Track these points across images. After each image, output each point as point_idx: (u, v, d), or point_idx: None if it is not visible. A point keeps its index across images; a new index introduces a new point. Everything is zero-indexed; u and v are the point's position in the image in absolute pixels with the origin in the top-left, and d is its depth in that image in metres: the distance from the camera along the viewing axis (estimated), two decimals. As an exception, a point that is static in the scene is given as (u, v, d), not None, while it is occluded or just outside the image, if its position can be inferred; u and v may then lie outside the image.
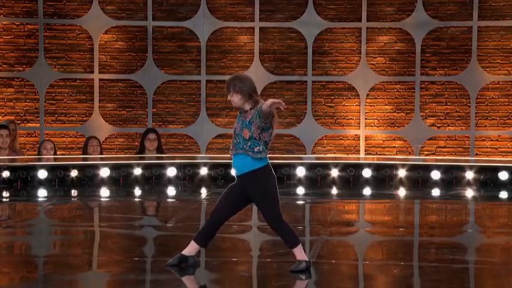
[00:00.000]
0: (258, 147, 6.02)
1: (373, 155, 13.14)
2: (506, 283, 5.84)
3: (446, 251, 7.00)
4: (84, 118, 13.33)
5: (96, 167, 10.79)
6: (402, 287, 5.82)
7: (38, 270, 6.32)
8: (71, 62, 13.33)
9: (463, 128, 13.20)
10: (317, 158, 12.12)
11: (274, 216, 6.02)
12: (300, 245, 6.00)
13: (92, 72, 13.31)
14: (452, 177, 10.90)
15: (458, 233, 8.14)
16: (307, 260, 5.98)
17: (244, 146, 6.04)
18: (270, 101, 6.00)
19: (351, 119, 13.31)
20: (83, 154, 12.04)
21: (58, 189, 10.46)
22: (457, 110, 13.22)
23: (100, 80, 13.32)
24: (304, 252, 6.04)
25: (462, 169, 10.95)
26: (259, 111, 6.01)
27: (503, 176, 10.88)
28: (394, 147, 13.27)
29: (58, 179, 10.58)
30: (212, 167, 11.07)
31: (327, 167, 10.99)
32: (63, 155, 12.81)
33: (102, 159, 11.51)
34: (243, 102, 6.14)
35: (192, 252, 6.14)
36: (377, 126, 13.29)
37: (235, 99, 6.15)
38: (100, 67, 13.31)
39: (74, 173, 10.66)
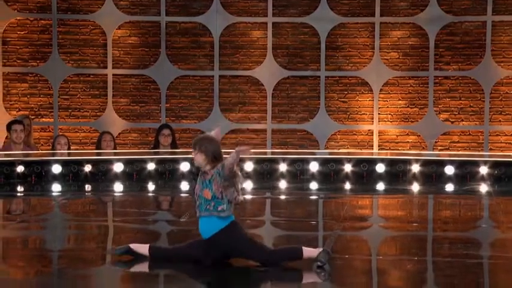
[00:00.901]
0: (222, 206, 6.03)
1: (387, 150, 13.11)
2: (521, 278, 5.82)
3: (460, 246, 6.98)
4: (97, 113, 13.36)
5: (110, 162, 10.82)
6: (416, 282, 5.81)
7: (52, 265, 6.34)
8: (84, 57, 13.37)
9: (477, 123, 13.15)
10: (330, 153, 12.10)
11: (263, 253, 6.02)
12: (303, 249, 6.00)
13: (106, 67, 13.34)
14: (466, 172, 10.86)
15: (472, 228, 8.11)
16: (321, 250, 5.97)
17: (208, 207, 6.05)
18: (236, 150, 5.95)
19: (364, 114, 13.28)
20: (97, 149, 12.06)
21: (72, 184, 10.49)
22: (471, 104, 13.17)
23: (113, 75, 13.34)
24: (313, 247, 6.04)
25: (476, 164, 10.91)
26: (219, 169, 5.99)
27: (517, 171, 10.83)
28: (408, 142, 13.24)
29: (72, 174, 10.61)
30: (225, 162, 11.04)
31: (340, 162, 10.97)
32: (77, 150, 12.84)
33: (115, 154, 11.53)
34: (206, 163, 6.12)
35: (140, 250, 6.17)
36: (390, 121, 13.25)
37: (199, 158, 6.14)
38: (113, 62, 13.33)
39: (87, 168, 10.68)
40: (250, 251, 6.02)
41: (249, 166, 11.04)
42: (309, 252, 5.97)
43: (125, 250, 6.21)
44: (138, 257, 6.16)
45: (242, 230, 6.13)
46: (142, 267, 6.13)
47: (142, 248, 6.19)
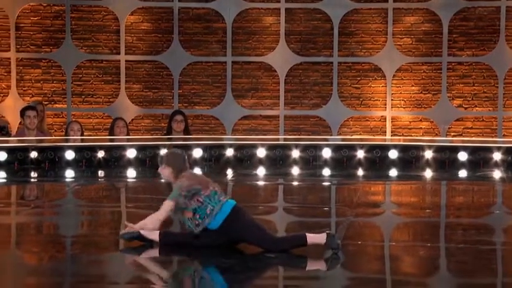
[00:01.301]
0: (209, 207, 6.13)
1: (400, 136, 13.08)
2: (534, 265, 5.81)
3: (473, 232, 6.96)
4: (110, 99, 13.38)
5: (123, 148, 10.83)
6: (429, 268, 5.81)
7: (66, 250, 6.37)
8: (97, 43, 13.38)
9: (490, 108, 13.10)
10: (343, 140, 12.08)
11: (269, 241, 6.07)
12: (307, 235, 6.01)
13: (118, 53, 13.34)
14: (480, 159, 10.83)
15: (485, 214, 8.09)
16: (324, 235, 5.98)
17: (197, 222, 6.15)
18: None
19: (377, 100, 13.25)
20: (110, 135, 12.09)
21: (85, 170, 10.52)
22: (485, 90, 13.11)
23: (126, 61, 13.35)
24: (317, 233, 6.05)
25: (489, 150, 10.87)
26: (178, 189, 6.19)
27: (531, 157, 10.79)
28: (421, 128, 13.20)
29: (85, 160, 10.64)
30: (238, 148, 11.08)
31: (353, 148, 10.96)
32: (90, 136, 12.87)
33: (128, 140, 11.55)
34: (172, 177, 6.36)
35: (150, 236, 6.21)
36: (403, 108, 13.22)
37: (166, 172, 6.39)
38: (126, 48, 13.34)
39: (100, 154, 10.70)
40: (256, 238, 6.06)
41: (261, 152, 11.03)
42: (312, 238, 5.99)
43: (134, 236, 6.22)
44: (147, 243, 6.18)
45: (246, 216, 6.17)
46: (154, 253, 6.15)
47: (153, 234, 6.21)
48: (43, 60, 13.38)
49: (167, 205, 6.22)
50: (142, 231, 6.23)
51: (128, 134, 12.17)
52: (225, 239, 6.13)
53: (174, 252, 6.18)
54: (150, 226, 6.21)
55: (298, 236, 6.10)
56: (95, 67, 13.39)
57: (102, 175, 10.47)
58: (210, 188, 6.22)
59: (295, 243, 6.06)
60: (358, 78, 13.28)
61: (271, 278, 5.63)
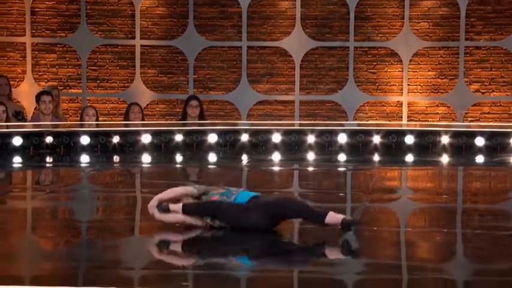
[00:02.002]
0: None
1: (416, 121, 13.04)
2: (551, 251, 5.78)
3: (489, 218, 6.94)
4: (125, 84, 13.40)
5: (138, 133, 10.85)
6: (445, 254, 5.80)
7: (81, 235, 6.40)
8: (112, 28, 13.39)
9: (508, 93, 13.02)
10: (359, 125, 12.06)
11: (298, 206, 6.16)
12: (330, 213, 6.02)
13: (134, 38, 13.35)
14: (497, 144, 10.77)
15: (503, 200, 8.06)
16: (343, 217, 6.00)
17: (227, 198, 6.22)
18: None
19: (393, 85, 13.20)
20: (125, 120, 12.11)
21: (100, 155, 10.55)
22: (502, 75, 13.03)
23: (141, 46, 13.36)
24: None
25: (507, 135, 10.81)
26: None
27: (549, 142, 10.73)
28: (438, 113, 13.15)
29: (100, 145, 10.66)
30: (253, 133, 11.07)
31: (368, 133, 10.93)
32: (105, 121, 12.90)
33: (143, 125, 11.57)
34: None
35: (174, 208, 6.28)
36: (420, 93, 13.16)
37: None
38: (141, 33, 13.34)
39: (115, 139, 10.73)
40: (287, 204, 6.09)
41: (276, 138, 11.02)
42: (331, 217, 5.99)
43: (165, 208, 6.30)
44: (166, 227, 6.20)
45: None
46: (170, 238, 6.16)
47: (177, 207, 6.26)
48: (58, 45, 13.40)
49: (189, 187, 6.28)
50: (170, 206, 6.28)
51: (143, 120, 12.20)
52: (256, 213, 6.08)
53: (191, 241, 6.19)
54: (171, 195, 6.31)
55: (321, 213, 6.06)
56: (110, 52, 13.41)
57: (117, 160, 10.49)
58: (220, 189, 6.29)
59: (315, 217, 6.05)
60: (374, 63, 13.23)
61: (286, 262, 5.63)
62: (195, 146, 10.93)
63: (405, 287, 5.00)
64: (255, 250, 5.94)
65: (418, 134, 10.94)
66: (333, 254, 5.85)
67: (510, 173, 9.94)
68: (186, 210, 6.22)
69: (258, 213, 6.06)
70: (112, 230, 6.45)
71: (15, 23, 13.37)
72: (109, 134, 10.75)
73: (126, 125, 11.53)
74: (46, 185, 8.99)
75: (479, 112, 13.12)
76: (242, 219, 6.06)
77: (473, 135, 10.88)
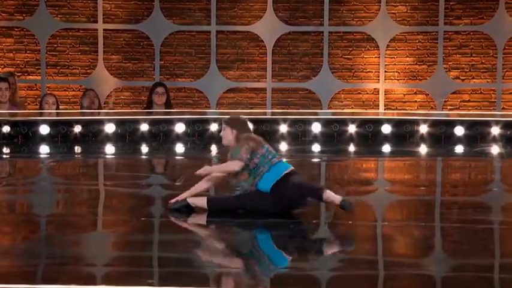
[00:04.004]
0: (262, 168, 6.49)
1: (393, 110, 13.10)
2: (533, 245, 5.84)
3: (469, 211, 6.99)
4: (87, 71, 13.32)
5: (101, 122, 10.81)
6: (423, 249, 5.84)
7: (40, 230, 6.37)
8: (73, 11, 13.29)
9: (489, 80, 13.12)
10: (334, 114, 12.09)
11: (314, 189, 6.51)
12: (325, 191, 6.32)
13: (96, 21, 13.26)
14: (477, 133, 10.86)
15: (483, 192, 8.13)
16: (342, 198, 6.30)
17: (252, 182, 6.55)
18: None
19: (369, 71, 13.25)
20: (81, 108, 12.13)
21: (61, 146, 10.49)
22: (483, 61, 13.13)
23: (104, 30, 13.28)
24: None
25: (488, 124, 10.90)
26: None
27: (531, 132, 10.83)
28: (416, 101, 13.22)
29: (61, 135, 10.61)
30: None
31: (344, 122, 10.96)
32: (66, 109, 12.83)
33: (107, 114, 11.52)
34: (233, 139, 6.64)
35: (199, 204, 6.49)
36: (397, 80, 13.22)
37: (228, 134, 6.67)
38: (104, 16, 13.26)
39: (77, 129, 10.68)
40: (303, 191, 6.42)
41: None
42: (329, 194, 6.28)
43: (183, 204, 6.53)
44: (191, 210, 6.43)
45: (297, 179, 6.47)
46: (136, 234, 6.15)
47: (200, 201, 6.53)
48: (15, 29, 13.28)
49: (234, 164, 6.47)
50: (189, 200, 6.53)
51: (99, 106, 12.17)
52: (278, 207, 6.38)
53: (158, 232, 6.18)
54: (204, 186, 6.59)
55: (318, 189, 6.40)
56: (70, 36, 13.32)
57: (79, 151, 10.44)
58: (265, 146, 6.57)
59: (313, 194, 6.36)
60: (350, 49, 13.26)
61: (259, 258, 5.64)
62: (161, 136, 10.91)
63: (381, 283, 5.03)
64: (227, 246, 5.95)
65: (396, 123, 10.99)
66: (307, 249, 5.87)
67: (491, 163, 10.03)
68: (211, 206, 6.50)
69: (277, 202, 6.39)
70: (73, 224, 6.43)
71: (-31, 6, 13.24)
72: (70, 124, 10.70)
73: (89, 114, 11.48)
74: (2, 177, 8.92)
75: (458, 100, 13.21)
76: (261, 208, 6.40)
77: (452, 124, 10.96)
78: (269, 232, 6.25)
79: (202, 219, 6.45)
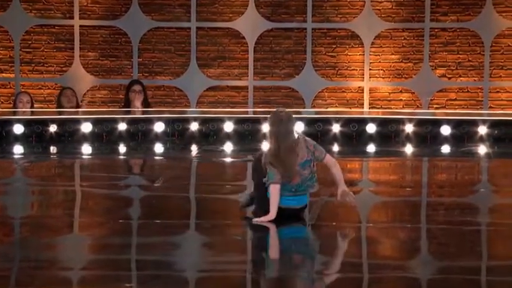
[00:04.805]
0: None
1: (378, 108, 13.13)
2: (521, 246, 5.88)
3: (456, 212, 7.02)
4: (63, 68, 13.27)
5: (77, 121, 10.78)
6: (408, 251, 5.85)
7: (14, 233, 6.34)
8: (48, 7, 13.24)
9: (476, 79, 13.18)
10: (317, 113, 12.11)
11: None
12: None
13: (72, 17, 13.22)
14: (464, 133, 10.91)
15: (470, 192, 8.17)
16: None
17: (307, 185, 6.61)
18: None
19: (354, 69, 13.27)
20: (58, 107, 12.09)
21: (35, 146, 10.46)
22: (470, 59, 13.18)
23: (80, 26, 13.24)
24: None
25: (475, 123, 10.95)
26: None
27: (519, 131, 10.89)
28: (401, 100, 13.26)
29: (35, 135, 10.58)
30: (203, 122, 11.07)
31: (327, 122, 10.99)
32: (41, 108, 12.78)
33: (84, 113, 11.49)
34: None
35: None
36: (382, 78, 13.26)
37: None
38: (80, 12, 13.22)
39: (52, 128, 10.64)
40: None
41: (228, 126, 11.03)
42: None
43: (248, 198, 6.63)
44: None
45: None
46: (113, 237, 6.13)
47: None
48: (-12, 25, 13.22)
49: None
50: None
51: (77, 105, 12.14)
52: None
53: (136, 235, 6.17)
54: None
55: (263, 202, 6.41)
56: (46, 33, 13.27)
57: (55, 151, 10.40)
58: None
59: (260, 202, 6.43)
60: (334, 46, 13.28)
61: (239, 261, 5.64)
62: (140, 136, 10.89)
63: (366, 286, 5.04)
64: (207, 249, 5.95)
65: (381, 123, 11.02)
66: (290, 251, 5.88)
67: (478, 164, 10.07)
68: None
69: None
70: (48, 227, 6.41)
71: None
72: (45, 123, 10.66)
73: (65, 113, 11.44)
74: (-25, 179, 8.88)
75: (445, 99, 13.25)
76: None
77: (439, 123, 11.00)
78: (251, 233, 6.25)
79: (180, 221, 6.43)
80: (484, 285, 5.06)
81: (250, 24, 13.27)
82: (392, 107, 13.15)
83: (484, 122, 10.94)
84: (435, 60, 13.22)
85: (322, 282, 5.11)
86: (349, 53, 13.27)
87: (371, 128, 10.98)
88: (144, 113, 11.54)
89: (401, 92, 13.27)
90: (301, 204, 6.49)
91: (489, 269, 5.41)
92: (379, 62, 13.26)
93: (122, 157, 10.56)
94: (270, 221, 6.26)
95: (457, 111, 12.78)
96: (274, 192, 6.28)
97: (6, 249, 5.83)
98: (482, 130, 10.88)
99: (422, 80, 13.18)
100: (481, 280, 5.15)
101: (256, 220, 6.33)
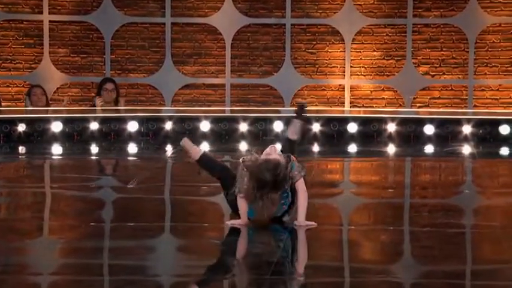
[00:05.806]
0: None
1: (360, 107, 13.17)
2: (507, 248, 5.91)
3: (440, 214, 7.05)
4: (32, 65, 13.23)
5: (47, 120, 10.75)
6: (391, 254, 5.87)
7: (-19, 237, 6.30)
8: (16, 1, 13.19)
9: (460, 76, 13.24)
10: (296, 111, 12.10)
11: None
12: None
13: (41, 12, 13.17)
14: (448, 132, 10.97)
15: (454, 193, 8.20)
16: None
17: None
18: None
19: (334, 67, 13.31)
20: (26, 106, 12.06)
21: (3, 146, 10.41)
22: (454, 56, 13.25)
23: (50, 21, 13.19)
24: None
25: (459, 123, 11.01)
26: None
27: (504, 130, 10.97)
28: (383, 98, 13.31)
29: (3, 134, 10.53)
30: (178, 121, 11.06)
31: (307, 121, 10.99)
32: (9, 107, 12.73)
33: (54, 112, 11.46)
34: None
35: (191, 150, 6.63)
36: (364, 75, 13.30)
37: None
38: (50, 7, 13.18)
39: (21, 128, 10.61)
40: None
41: (205, 126, 11.02)
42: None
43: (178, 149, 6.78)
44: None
45: None
46: (85, 240, 6.12)
47: (194, 150, 6.56)
48: (-46, 20, 13.15)
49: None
50: (185, 143, 6.58)
51: (47, 104, 12.11)
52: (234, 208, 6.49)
53: (109, 238, 6.16)
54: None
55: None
56: (13, 28, 13.21)
57: (23, 151, 10.36)
58: None
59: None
60: (314, 43, 13.31)
61: (216, 265, 5.64)
62: (112, 135, 10.87)
63: (347, 291, 5.06)
64: (182, 252, 5.94)
65: (362, 122, 11.06)
66: (268, 254, 5.89)
67: (462, 164, 10.12)
68: (201, 160, 6.59)
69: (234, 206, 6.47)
70: (17, 230, 6.37)
71: None
72: (13, 122, 10.62)
73: (33, 112, 11.40)
74: None
75: (428, 97, 13.31)
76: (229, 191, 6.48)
77: (422, 122, 11.05)
78: (230, 237, 6.25)
79: (154, 224, 6.42)
80: (469, 289, 5.09)
81: (227, 19, 13.28)
82: (374, 105, 13.19)
83: (468, 121, 11.01)
84: (418, 57, 13.28)
85: (302, 287, 5.12)
86: (329, 50, 13.31)
87: (352, 128, 11.01)
88: (117, 112, 11.52)
89: (383, 90, 13.32)
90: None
91: (474, 272, 5.44)
92: (361, 59, 13.30)
93: (94, 157, 10.53)
94: (245, 224, 6.27)
95: (441, 110, 12.85)
96: (243, 204, 6.27)
97: (-28, 253, 5.80)
98: (467, 129, 10.94)
99: (405, 78, 13.24)
100: (465, 284, 5.18)
101: (230, 223, 6.32)
